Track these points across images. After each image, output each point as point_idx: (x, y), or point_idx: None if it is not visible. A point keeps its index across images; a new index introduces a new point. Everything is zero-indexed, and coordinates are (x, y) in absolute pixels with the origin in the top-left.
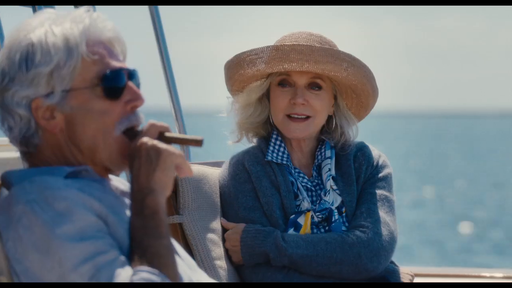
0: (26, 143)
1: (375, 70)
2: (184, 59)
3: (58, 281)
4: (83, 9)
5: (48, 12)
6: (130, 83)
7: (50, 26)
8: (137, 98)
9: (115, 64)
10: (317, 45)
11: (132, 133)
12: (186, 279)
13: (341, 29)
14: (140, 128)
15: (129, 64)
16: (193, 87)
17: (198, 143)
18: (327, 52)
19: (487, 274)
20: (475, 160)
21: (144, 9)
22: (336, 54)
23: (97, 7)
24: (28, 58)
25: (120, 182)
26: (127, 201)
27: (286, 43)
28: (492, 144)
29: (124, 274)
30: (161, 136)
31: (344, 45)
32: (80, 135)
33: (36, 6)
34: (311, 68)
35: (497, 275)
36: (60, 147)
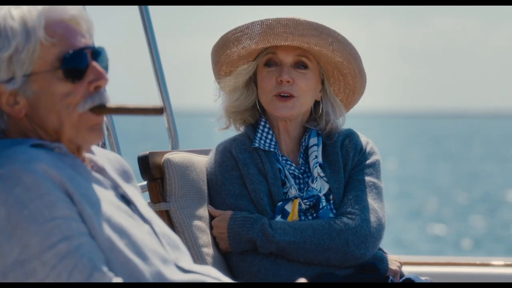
0: None
1: (369, 70)
2: (184, 59)
3: (13, 265)
4: None
5: None
6: (94, 63)
7: (9, 9)
8: (100, 78)
9: (77, 43)
10: (302, 19)
11: (97, 109)
12: (157, 257)
13: (337, 28)
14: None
15: (120, 64)
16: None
17: (158, 111)
18: (312, 25)
19: (478, 262)
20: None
21: (134, 9)
22: (321, 28)
23: (87, 7)
24: None
25: (103, 156)
26: (102, 178)
27: (271, 18)
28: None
29: (87, 261)
30: (108, 109)
31: None
32: (44, 118)
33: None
34: (296, 42)
35: (494, 263)
36: (27, 131)
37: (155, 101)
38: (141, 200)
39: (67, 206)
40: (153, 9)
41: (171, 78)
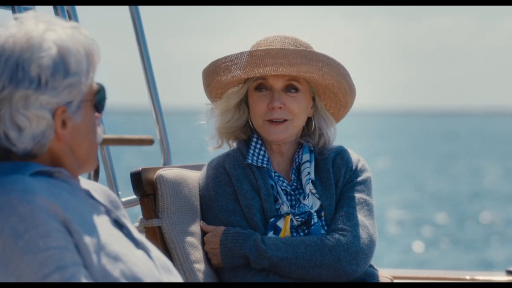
0: (33, 147)
1: (365, 69)
2: (184, 58)
3: None
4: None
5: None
6: None
7: (66, 31)
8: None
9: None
10: (291, 47)
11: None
12: (151, 279)
13: (330, 28)
14: None
15: (111, 62)
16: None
17: (148, 142)
18: (300, 53)
19: (468, 277)
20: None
21: (125, 9)
22: (309, 55)
23: (77, 7)
24: (64, 63)
25: (88, 184)
26: (96, 203)
27: (260, 48)
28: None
29: None
30: (105, 140)
31: (334, 45)
32: (80, 145)
33: (15, 7)
34: (286, 71)
35: (479, 278)
36: (60, 156)
37: (146, 102)
38: (132, 226)
39: (62, 236)
40: (149, 9)
41: (170, 77)
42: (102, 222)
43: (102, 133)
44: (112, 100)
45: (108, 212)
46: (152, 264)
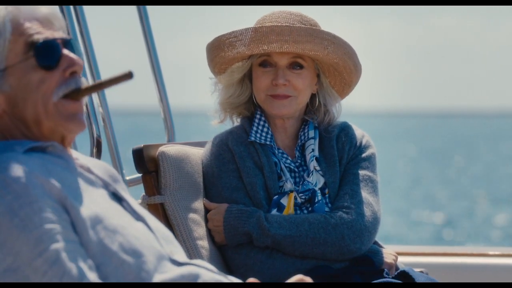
0: None
1: (370, 69)
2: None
3: (6, 272)
4: None
5: None
6: (66, 51)
7: None
8: (75, 63)
9: (48, 35)
10: (297, 24)
11: (72, 94)
12: (153, 254)
13: (336, 27)
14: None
15: (118, 63)
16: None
17: (128, 76)
18: (306, 31)
19: (475, 252)
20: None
21: (132, 9)
22: (315, 33)
23: (85, 7)
24: None
25: (86, 160)
26: (92, 177)
27: (266, 25)
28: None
29: (75, 269)
30: (83, 91)
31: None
32: (23, 110)
33: None
34: (291, 49)
35: (491, 253)
36: (9, 129)
37: (154, 97)
38: (132, 198)
39: (56, 213)
40: (153, 9)
41: (171, 77)
42: (99, 196)
43: (77, 86)
44: (120, 99)
45: (106, 186)
46: (153, 236)
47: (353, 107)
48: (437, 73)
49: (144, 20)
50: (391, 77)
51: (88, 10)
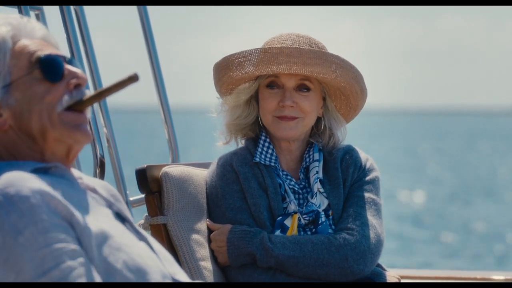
0: None
1: (376, 69)
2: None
3: None
4: (12, 15)
5: None
6: (68, 66)
7: None
8: (78, 76)
9: (49, 50)
10: (305, 47)
11: (77, 105)
12: (157, 272)
13: (343, 28)
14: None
15: (119, 66)
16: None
17: (133, 79)
18: (315, 54)
19: (478, 276)
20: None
21: (133, 9)
22: (324, 56)
23: (86, 7)
24: None
25: (90, 180)
26: (97, 196)
27: (275, 46)
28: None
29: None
30: (87, 100)
31: (345, 45)
32: (28, 122)
33: (22, 7)
34: (300, 71)
35: (494, 278)
36: (15, 144)
37: (153, 101)
38: (133, 220)
39: (62, 231)
40: (155, 9)
41: (175, 77)
42: (103, 215)
43: (81, 97)
44: (120, 99)
45: (109, 205)
46: (155, 256)
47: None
48: (441, 73)
49: (145, 22)
50: (396, 77)
51: (88, 10)
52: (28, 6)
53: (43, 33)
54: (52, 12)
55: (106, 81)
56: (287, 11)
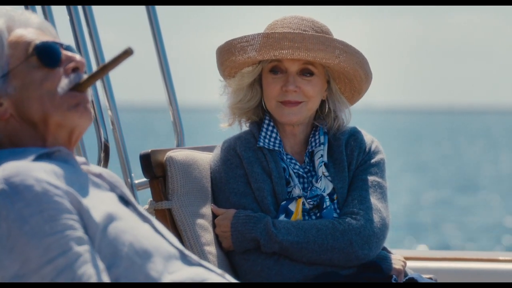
0: None
1: (386, 66)
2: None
3: (13, 279)
4: (5, 6)
5: None
6: (66, 51)
7: None
8: (76, 60)
9: (47, 38)
10: (309, 31)
11: (77, 86)
12: (162, 253)
13: (352, 24)
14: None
15: (126, 61)
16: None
17: (128, 53)
18: (318, 39)
19: (485, 257)
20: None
21: (142, 9)
22: (328, 42)
23: (94, 7)
24: None
25: (95, 166)
26: (99, 181)
27: (277, 31)
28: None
29: (85, 276)
30: (87, 80)
31: (355, 41)
32: (29, 110)
33: (29, 6)
34: (302, 56)
35: (501, 258)
36: (17, 133)
37: (162, 98)
38: (136, 203)
39: (69, 218)
40: (160, 8)
41: (180, 75)
42: (108, 198)
43: (80, 79)
44: (128, 96)
45: (113, 189)
46: (160, 237)
47: (372, 103)
48: (452, 70)
49: (153, 21)
50: (406, 74)
51: (97, 10)
52: (35, 6)
53: (39, 21)
54: (59, 11)
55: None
56: (294, 11)
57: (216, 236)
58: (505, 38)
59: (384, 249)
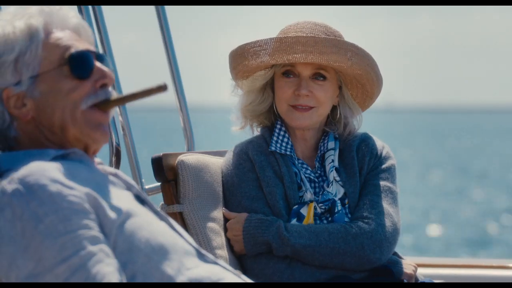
0: (5, 138)
1: (405, 65)
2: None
3: (27, 278)
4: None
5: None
6: (98, 63)
7: (11, 19)
8: (106, 76)
9: (82, 46)
10: (321, 35)
11: (102, 104)
12: (179, 250)
13: (374, 23)
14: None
15: (136, 63)
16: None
17: (162, 88)
18: (331, 42)
19: (495, 264)
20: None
21: (151, 9)
22: (339, 44)
23: (104, 7)
24: None
25: (110, 167)
26: (116, 180)
27: (290, 35)
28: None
29: (99, 275)
30: (112, 102)
31: (376, 41)
32: (50, 117)
33: None
34: (315, 60)
35: (510, 265)
36: (36, 135)
37: (172, 99)
38: (151, 202)
39: (83, 217)
40: (169, 8)
41: (188, 75)
42: (125, 196)
43: (107, 97)
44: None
45: (129, 188)
46: (177, 234)
47: (394, 104)
48: (471, 69)
49: (162, 20)
50: (427, 73)
51: (107, 10)
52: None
53: (76, 22)
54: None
55: (128, 79)
56: (307, 11)
57: (227, 240)
58: None
59: (395, 254)
